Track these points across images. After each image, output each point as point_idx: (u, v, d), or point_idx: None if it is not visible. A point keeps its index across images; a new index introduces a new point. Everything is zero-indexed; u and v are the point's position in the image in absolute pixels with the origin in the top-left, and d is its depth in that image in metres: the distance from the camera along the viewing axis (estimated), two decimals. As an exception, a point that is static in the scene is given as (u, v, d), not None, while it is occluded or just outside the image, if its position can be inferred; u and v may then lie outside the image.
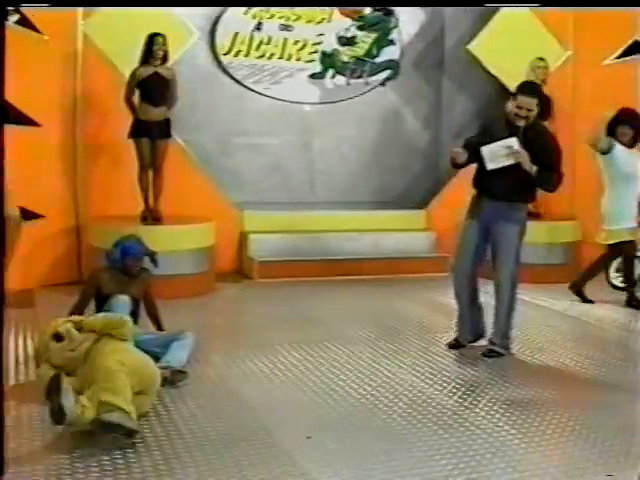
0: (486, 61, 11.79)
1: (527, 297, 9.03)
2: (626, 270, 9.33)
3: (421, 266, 11.00)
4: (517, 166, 6.60)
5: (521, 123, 6.67)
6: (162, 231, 9.33)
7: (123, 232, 8.43)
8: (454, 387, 6.20)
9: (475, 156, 6.77)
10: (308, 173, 12.23)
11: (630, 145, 8.81)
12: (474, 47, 11.80)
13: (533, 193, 7.00)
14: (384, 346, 7.35)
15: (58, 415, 4.75)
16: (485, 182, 6.82)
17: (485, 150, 6.58)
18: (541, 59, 10.94)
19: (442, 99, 12.69)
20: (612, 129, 8.78)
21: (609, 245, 9.11)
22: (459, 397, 5.96)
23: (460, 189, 11.59)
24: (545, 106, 10.79)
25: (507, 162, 6.55)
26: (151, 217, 9.57)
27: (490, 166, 6.59)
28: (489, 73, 11.86)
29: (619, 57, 11.32)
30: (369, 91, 12.28)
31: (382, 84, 12.35)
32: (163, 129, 9.57)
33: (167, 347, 6.27)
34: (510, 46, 11.47)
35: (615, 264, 10.34)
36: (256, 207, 11.31)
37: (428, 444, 5.01)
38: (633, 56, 11.22)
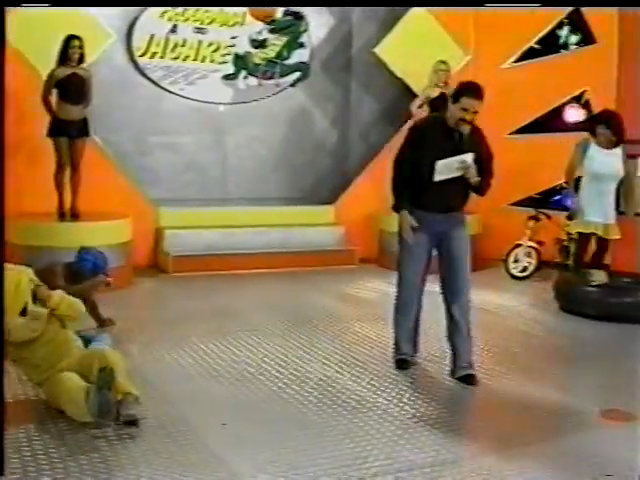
0: (391, 63, 11.95)
1: (428, 286, 9.18)
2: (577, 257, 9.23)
3: (329, 259, 11.09)
4: (459, 177, 6.02)
5: (466, 129, 5.98)
6: (80, 227, 9.26)
7: (40, 229, 8.27)
8: (364, 374, 6.27)
9: (414, 172, 6.07)
10: (221, 170, 12.20)
11: (607, 146, 8.70)
12: (380, 50, 11.95)
13: (468, 197, 6.41)
14: (296, 336, 7.39)
15: (106, 411, 4.72)
16: (428, 198, 6.08)
17: (440, 164, 5.92)
18: (443, 62, 11.12)
19: (350, 99, 12.78)
20: (592, 129, 8.78)
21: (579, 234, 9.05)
22: (368, 383, 6.04)
23: (366, 185, 11.80)
24: (446, 106, 11.10)
25: (454, 175, 5.98)
26: (69, 214, 9.49)
27: (437, 178, 5.95)
28: (394, 75, 12.01)
29: (517, 61, 11.55)
30: (280, 92, 12.29)
31: (292, 85, 12.37)
32: (81, 128, 9.46)
33: (86, 346, 6.22)
34: (414, 49, 11.67)
35: (513, 255, 10.60)
36: (171, 203, 11.26)
37: (338, 429, 5.08)
38: (528, 60, 11.48)
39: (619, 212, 8.98)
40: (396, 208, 6.24)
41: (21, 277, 5.19)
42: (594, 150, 8.71)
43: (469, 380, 6.09)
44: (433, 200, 6.08)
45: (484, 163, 6.11)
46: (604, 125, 8.64)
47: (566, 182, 9.00)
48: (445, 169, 5.95)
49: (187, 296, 9.15)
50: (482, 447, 4.89)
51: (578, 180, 8.90)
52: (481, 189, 6.20)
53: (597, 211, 8.72)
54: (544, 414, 5.50)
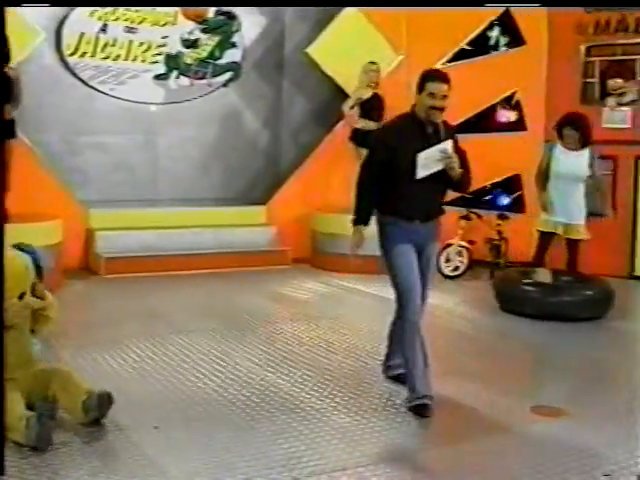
0: (323, 64, 11.97)
1: (361, 286, 9.26)
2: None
3: (262, 259, 11.08)
4: (436, 177, 5.50)
5: (438, 118, 5.56)
6: (9, 229, 9.08)
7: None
8: (297, 375, 6.29)
9: (389, 174, 5.56)
10: (153, 171, 12.11)
11: (575, 147, 8.65)
12: (312, 50, 11.97)
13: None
14: (229, 337, 7.37)
15: (45, 440, 4.67)
16: (409, 204, 5.56)
17: (422, 157, 5.45)
18: (373, 63, 11.20)
19: (282, 100, 12.79)
20: (559, 131, 8.74)
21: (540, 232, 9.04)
22: (301, 384, 6.06)
23: (298, 186, 11.84)
24: (378, 107, 11.19)
25: (436, 168, 5.50)
26: (-3, 215, 9.33)
27: (421, 174, 5.46)
28: (326, 75, 12.04)
29: (448, 62, 11.66)
30: (212, 92, 12.25)
31: (224, 85, 12.33)
32: (8, 128, 9.29)
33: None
34: (346, 50, 11.71)
35: (445, 254, 10.69)
36: (102, 205, 11.15)
37: (272, 429, 5.10)
38: (459, 61, 11.59)
39: (593, 214, 8.97)
40: (355, 221, 5.70)
41: (27, 264, 5.34)
42: (560, 151, 8.70)
43: (425, 414, 5.45)
44: (414, 206, 5.54)
45: (462, 154, 5.70)
46: (570, 127, 8.62)
47: (536, 184, 8.95)
48: (428, 162, 5.47)
49: (119, 298, 9.07)
50: (416, 446, 4.95)
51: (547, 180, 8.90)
52: (463, 183, 5.72)
53: (560, 211, 8.66)
54: (478, 413, 5.55)
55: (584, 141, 8.62)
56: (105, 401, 5.05)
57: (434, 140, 5.52)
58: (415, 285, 5.55)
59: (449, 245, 10.69)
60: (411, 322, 5.57)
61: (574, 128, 8.59)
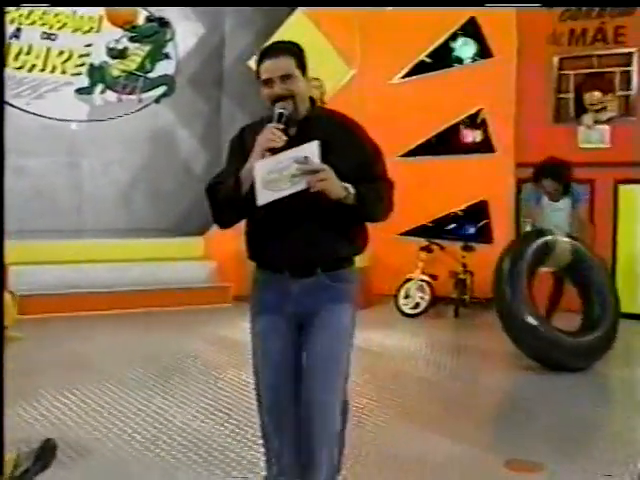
0: (267, 78, 11.90)
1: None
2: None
3: (200, 297, 10.94)
4: (316, 199, 3.78)
5: (285, 107, 3.88)
6: None
7: None
8: (233, 425, 6.16)
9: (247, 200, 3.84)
10: (75, 198, 11.96)
11: (553, 198, 8.63)
12: (255, 63, 11.89)
13: (362, 233, 4.17)
14: (160, 387, 7.21)
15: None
16: (266, 246, 4.12)
17: (262, 170, 3.75)
18: (316, 79, 11.14)
19: (221, 117, 12.73)
20: (537, 180, 8.66)
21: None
22: (238, 435, 5.93)
23: (242, 214, 11.72)
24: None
25: (293, 189, 3.72)
26: None
27: (262, 199, 3.75)
28: (270, 91, 11.97)
29: (406, 76, 11.67)
30: (142, 109, 12.17)
31: (156, 101, 12.27)
32: None
33: None
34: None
35: (404, 290, 10.63)
36: (17, 235, 10.92)
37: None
38: (418, 75, 11.60)
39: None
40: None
41: None
42: (545, 202, 8.68)
43: None
44: (279, 247, 4.02)
45: (359, 158, 3.95)
46: (551, 178, 8.54)
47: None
48: (275, 179, 3.74)
49: (35, 343, 8.84)
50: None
51: None
52: (375, 206, 3.99)
53: None
54: (444, 465, 5.46)
55: (565, 190, 8.59)
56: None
57: (295, 142, 3.79)
58: (279, 391, 4.02)
59: (409, 280, 10.68)
60: (274, 411, 4.06)
61: (555, 179, 8.53)
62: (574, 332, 8.19)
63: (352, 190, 3.80)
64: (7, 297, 5.35)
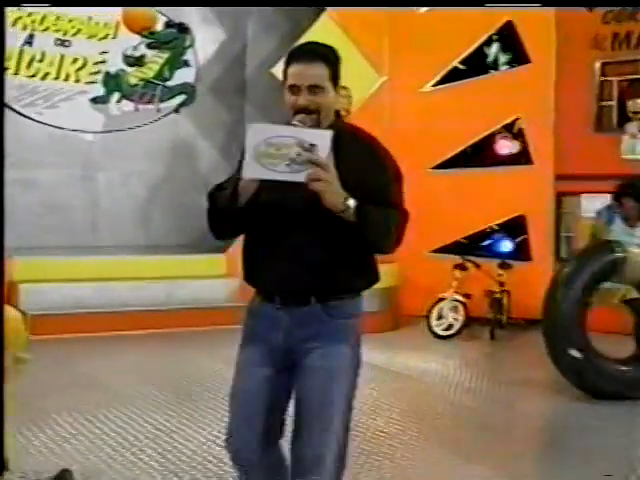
0: (292, 86, 11.87)
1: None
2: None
3: (221, 317, 10.84)
4: (316, 210, 3.39)
5: (304, 122, 3.52)
6: None
7: None
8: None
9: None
10: (91, 212, 11.98)
11: (632, 223, 8.14)
12: (279, 70, 11.84)
13: (372, 265, 3.75)
14: (179, 410, 7.17)
15: None
16: (254, 265, 3.75)
17: (255, 133, 3.30)
18: (344, 87, 11.01)
19: (243, 127, 12.67)
20: (618, 198, 8.18)
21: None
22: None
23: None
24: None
25: (288, 177, 3.27)
26: None
27: (249, 172, 3.33)
28: (296, 99, 11.94)
29: (438, 84, 11.59)
30: (161, 118, 12.17)
31: (175, 111, 12.27)
32: None
33: None
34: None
35: (437, 311, 10.53)
36: (28, 252, 10.95)
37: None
38: (452, 83, 11.51)
39: None
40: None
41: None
42: (618, 225, 8.22)
43: None
44: (269, 268, 3.67)
45: (373, 180, 3.56)
46: (632, 198, 8.07)
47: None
48: (266, 155, 3.26)
49: (47, 365, 8.79)
50: None
51: None
52: (381, 235, 3.55)
53: None
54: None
55: None
56: None
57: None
58: (247, 440, 3.67)
59: (441, 299, 10.62)
60: (239, 457, 3.72)
61: (636, 198, 8.08)
62: (625, 359, 8.01)
63: (352, 204, 3.36)
64: (18, 317, 5.29)
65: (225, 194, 3.58)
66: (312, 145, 3.25)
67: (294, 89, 3.56)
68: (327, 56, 3.63)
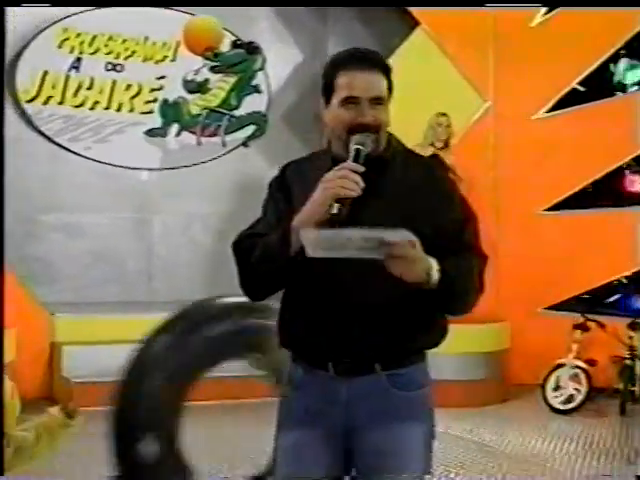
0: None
1: (440, 427, 8.86)
2: None
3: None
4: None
5: (364, 143, 3.38)
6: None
7: None
8: None
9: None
10: (145, 262, 12.03)
11: None
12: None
13: (442, 318, 3.58)
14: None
15: None
16: (312, 327, 3.48)
17: (316, 237, 3.18)
18: (443, 114, 10.97)
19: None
20: None
21: None
22: None
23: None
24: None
25: (362, 255, 3.14)
26: None
27: (312, 252, 3.17)
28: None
29: (553, 109, 11.49)
30: (227, 153, 12.22)
31: (244, 144, 12.31)
32: None
33: None
34: (410, 93, 11.46)
35: (554, 379, 10.36)
36: (74, 309, 11.02)
37: None
38: (570, 108, 11.41)
39: None
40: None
41: None
42: None
43: None
44: (319, 331, 3.47)
45: (449, 228, 3.44)
46: None
47: None
48: (329, 248, 3.18)
49: (96, 440, 8.76)
50: None
51: None
52: (455, 298, 3.40)
53: None
54: None
55: None
56: None
57: (369, 198, 3.32)
58: None
59: (560, 366, 10.50)
60: None
61: None
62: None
63: (436, 275, 3.21)
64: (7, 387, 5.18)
65: (268, 241, 3.48)
66: (376, 237, 3.09)
67: (352, 102, 3.41)
68: (383, 62, 3.53)
